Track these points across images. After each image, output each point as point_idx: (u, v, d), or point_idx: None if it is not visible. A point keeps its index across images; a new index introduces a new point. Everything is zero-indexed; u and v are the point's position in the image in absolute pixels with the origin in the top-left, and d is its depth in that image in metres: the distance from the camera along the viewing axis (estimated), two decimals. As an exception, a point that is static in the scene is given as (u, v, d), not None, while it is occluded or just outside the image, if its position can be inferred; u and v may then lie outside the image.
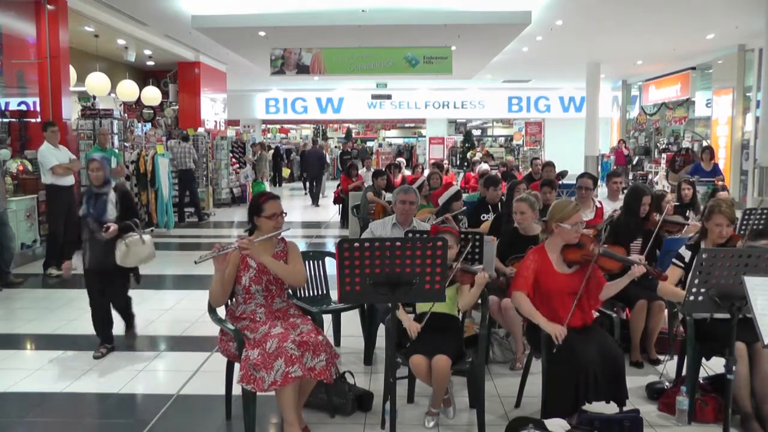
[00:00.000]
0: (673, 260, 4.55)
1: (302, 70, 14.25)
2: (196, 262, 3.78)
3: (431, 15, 12.47)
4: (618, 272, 4.19)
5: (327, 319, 5.22)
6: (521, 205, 5.43)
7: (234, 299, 4.09)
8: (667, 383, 4.74)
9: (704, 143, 18.45)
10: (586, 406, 3.94)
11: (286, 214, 4.13)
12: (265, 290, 4.00)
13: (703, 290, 3.39)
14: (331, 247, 11.76)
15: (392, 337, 3.57)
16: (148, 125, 16.69)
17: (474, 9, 12.43)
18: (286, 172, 28.00)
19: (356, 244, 3.19)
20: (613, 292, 4.26)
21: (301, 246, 11.45)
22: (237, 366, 3.92)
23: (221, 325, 4.02)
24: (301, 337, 3.78)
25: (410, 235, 4.92)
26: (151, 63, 17.19)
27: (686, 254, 4.50)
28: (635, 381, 4.80)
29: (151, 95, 16.41)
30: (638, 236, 5.69)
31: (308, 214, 16.35)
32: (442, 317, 4.16)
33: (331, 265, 5.56)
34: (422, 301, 3.97)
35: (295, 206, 19.55)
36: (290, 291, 4.30)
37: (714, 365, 4.60)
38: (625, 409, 4.02)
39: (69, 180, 8.98)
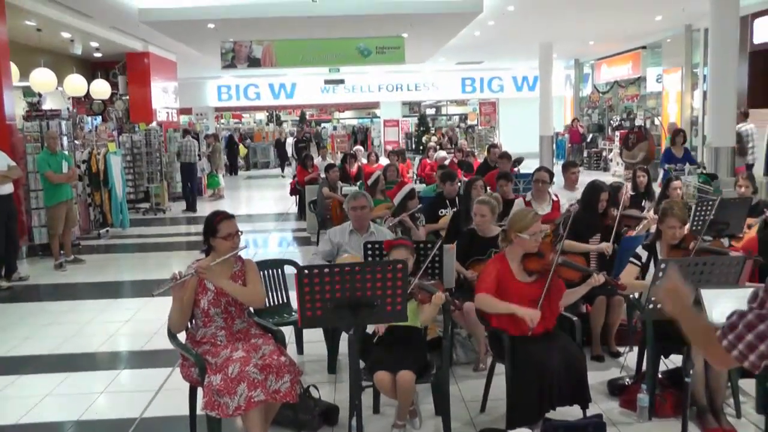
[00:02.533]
0: (631, 259, 4.71)
1: (253, 63, 14.08)
2: (153, 294, 3.70)
3: (383, 5, 12.39)
4: (578, 281, 4.25)
5: (288, 328, 5.16)
6: (482, 207, 5.44)
7: (194, 322, 4.02)
8: (628, 379, 4.83)
9: (656, 120, 18.79)
10: (551, 413, 3.99)
11: (242, 233, 4.06)
12: (224, 312, 3.94)
13: None
14: (290, 240, 11.72)
15: (355, 358, 3.56)
16: (99, 119, 16.34)
17: (426, -2, 12.39)
18: (243, 151, 27.65)
19: (315, 270, 3.17)
20: (572, 300, 4.35)
21: (261, 240, 11.41)
22: (200, 389, 3.86)
23: (183, 350, 3.95)
24: (264, 360, 3.74)
25: (369, 246, 4.87)
26: (98, 55, 16.74)
27: (643, 254, 4.65)
28: (597, 376, 4.89)
29: (100, 89, 15.99)
30: (597, 232, 5.77)
31: (267, 206, 16.21)
32: (405, 330, 4.15)
33: (290, 273, 5.51)
34: (384, 322, 3.96)
35: (254, 197, 19.43)
36: (251, 309, 4.23)
37: (671, 358, 4.70)
38: (588, 412, 4.09)
39: (7, 188, 8.67)
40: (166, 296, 3.81)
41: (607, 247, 5.60)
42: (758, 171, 11.65)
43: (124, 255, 10.80)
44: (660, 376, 4.58)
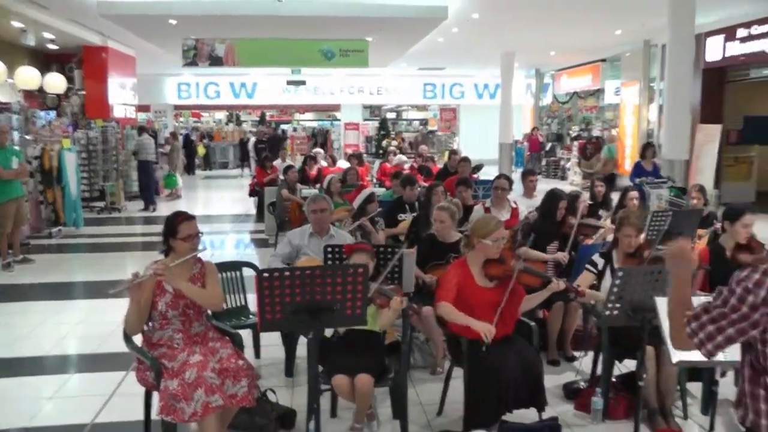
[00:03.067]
0: (587, 266, 4.80)
1: (215, 61, 13.93)
2: (110, 294, 3.63)
3: (348, 7, 12.37)
4: (538, 286, 4.30)
5: (246, 331, 5.10)
6: (442, 214, 5.47)
7: (150, 325, 3.95)
8: (582, 383, 4.94)
9: (613, 132, 19.13)
10: (507, 416, 4.03)
11: (202, 234, 4.02)
12: (182, 315, 3.88)
13: (618, 305, 3.62)
14: (248, 242, 11.62)
15: (314, 361, 3.55)
16: (53, 113, 15.97)
17: (391, 2, 12.40)
18: (201, 150, 27.33)
19: (276, 273, 3.16)
20: (532, 306, 4.41)
21: (218, 241, 11.29)
22: (156, 393, 3.80)
23: (139, 354, 3.88)
24: (221, 363, 3.70)
25: (329, 249, 4.86)
26: (53, 47, 16.25)
27: (599, 261, 4.75)
28: (553, 380, 4.98)
29: (55, 82, 15.46)
30: (554, 239, 5.86)
31: (225, 207, 16.04)
32: (364, 333, 4.15)
33: (249, 273, 5.47)
34: (343, 326, 3.96)
35: (212, 197, 19.22)
36: (209, 312, 4.17)
37: (625, 362, 4.84)
38: (544, 415, 4.15)
39: None
40: (121, 298, 3.75)
41: (563, 256, 5.70)
42: (707, 183, 11.91)
43: (76, 255, 10.55)
44: (613, 380, 4.68)
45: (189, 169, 25.26)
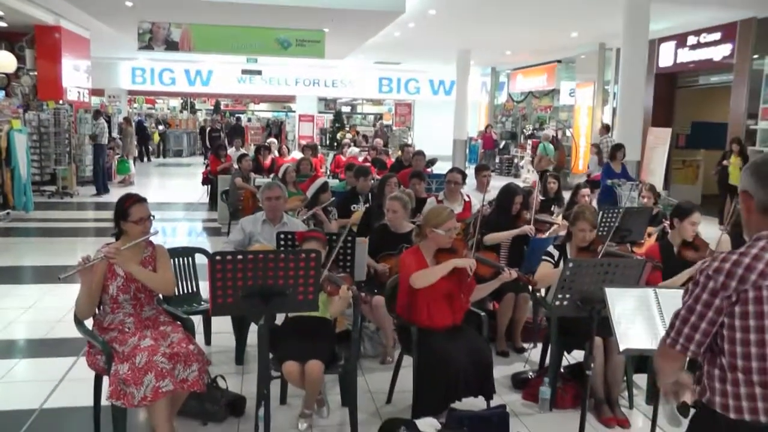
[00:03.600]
0: (543, 257, 4.88)
1: (171, 46, 13.75)
2: (60, 278, 3.56)
3: (306, -3, 12.32)
4: (489, 276, 4.36)
5: (197, 317, 5.08)
6: (394, 203, 5.51)
7: (101, 308, 3.91)
8: (531, 373, 5.04)
9: (567, 132, 19.41)
10: (456, 404, 4.09)
11: (153, 217, 3.98)
12: (133, 299, 3.85)
13: (568, 296, 3.70)
14: (200, 230, 11.51)
15: (265, 347, 3.55)
16: (1, 93, 15.55)
17: (349, -6, 12.40)
18: (156, 137, 26.95)
19: (229, 257, 3.16)
20: (483, 295, 4.50)
21: (169, 229, 11.15)
22: (106, 378, 3.76)
23: (89, 337, 3.83)
24: (172, 348, 3.67)
25: (282, 236, 4.86)
26: (3, 24, 15.83)
27: (555, 252, 4.84)
28: (501, 371, 5.07)
29: (5, 61, 15.12)
30: (508, 233, 5.94)
31: (178, 195, 15.86)
32: (315, 320, 4.17)
33: (201, 260, 5.43)
34: (295, 311, 3.96)
35: (165, 185, 18.98)
36: (160, 296, 4.14)
37: (573, 354, 4.96)
38: (492, 403, 4.23)
39: None
40: (70, 283, 3.70)
41: (530, 228, 5.84)
42: (657, 183, 12.20)
43: (26, 239, 10.34)
44: (561, 370, 4.79)
45: (142, 156, 24.88)
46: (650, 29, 11.58)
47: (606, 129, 16.34)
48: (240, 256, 3.17)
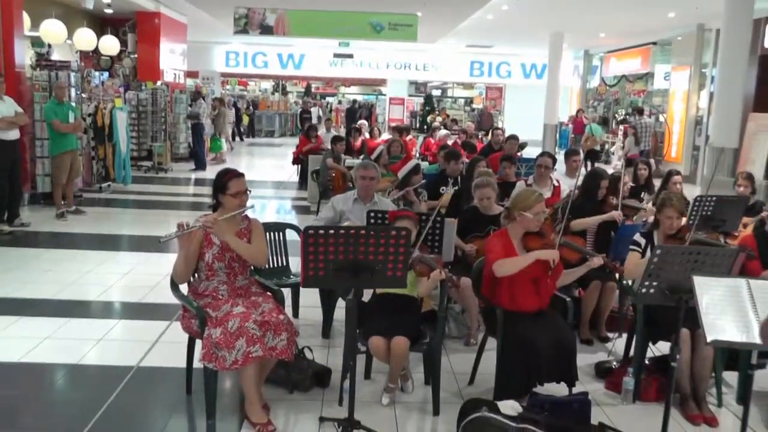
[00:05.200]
0: (631, 246, 4.76)
1: (266, 30, 14.07)
2: (160, 241, 3.78)
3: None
4: (576, 262, 4.32)
5: (287, 290, 5.24)
6: (486, 190, 5.52)
7: (197, 275, 4.10)
8: (615, 363, 4.94)
9: (661, 118, 18.83)
10: (538, 388, 4.10)
11: (250, 191, 4.13)
12: (227, 268, 4.02)
13: (655, 283, 3.58)
14: (289, 208, 11.77)
15: (353, 320, 3.64)
16: (106, 74, 16.30)
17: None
18: (246, 119, 27.60)
19: (321, 231, 3.24)
20: (570, 280, 4.46)
21: (261, 206, 11.46)
22: (198, 341, 3.96)
23: (184, 302, 4.03)
24: (263, 316, 3.82)
25: (372, 215, 4.95)
26: (109, 11, 16.63)
27: (641, 240, 4.72)
28: (584, 359, 4.95)
29: (109, 45, 15.94)
30: (594, 218, 5.85)
31: (269, 173, 16.26)
32: (402, 298, 4.24)
33: (291, 237, 5.60)
34: (384, 287, 4.04)
35: (255, 164, 19.44)
36: (252, 267, 4.31)
37: (659, 346, 4.79)
38: (574, 390, 4.20)
39: (14, 134, 8.75)
40: (166, 252, 3.90)
41: (618, 214, 5.72)
42: (758, 173, 11.69)
43: (124, 210, 10.85)
44: (647, 362, 4.67)
45: (234, 135, 25.54)
46: (755, 7, 11.03)
47: (640, 111, 17.86)
48: (332, 231, 3.25)
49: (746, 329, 2.94)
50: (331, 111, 28.88)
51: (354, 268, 3.29)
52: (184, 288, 4.13)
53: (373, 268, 3.32)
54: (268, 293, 4.22)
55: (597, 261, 4.17)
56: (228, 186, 3.99)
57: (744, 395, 4.08)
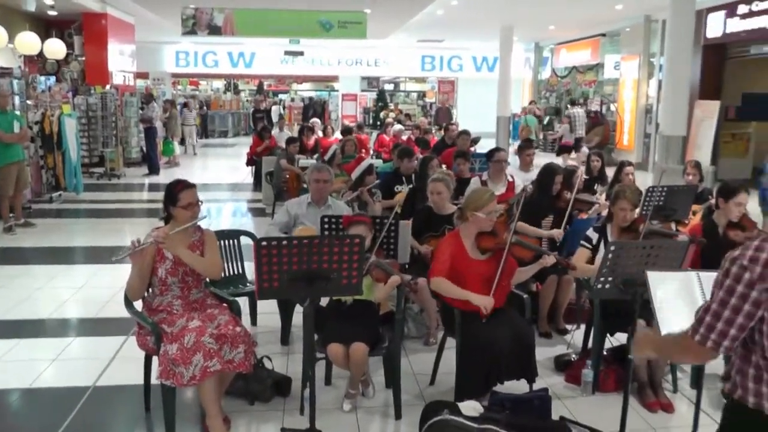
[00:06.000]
0: (582, 242, 4.83)
1: (214, 30, 13.93)
2: (112, 260, 3.70)
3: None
4: (530, 260, 4.35)
5: (243, 299, 5.19)
6: (438, 185, 5.51)
7: (150, 290, 4.03)
8: (573, 355, 5.02)
9: (612, 107, 19.15)
10: (498, 387, 4.12)
11: (202, 202, 4.07)
12: (181, 282, 3.96)
13: (610, 279, 3.65)
14: (245, 211, 11.67)
15: (310, 327, 3.61)
16: (53, 78, 15.92)
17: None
18: (197, 120, 27.23)
19: (274, 243, 3.22)
20: (524, 278, 4.49)
21: (217, 209, 11.33)
22: (155, 358, 3.88)
23: (139, 319, 3.96)
24: (219, 329, 3.77)
25: (326, 220, 4.92)
26: (53, 13, 16.16)
27: (594, 236, 4.78)
28: (543, 352, 5.01)
29: (55, 48, 15.43)
30: (549, 213, 5.90)
31: (223, 175, 16.08)
32: (359, 303, 4.22)
33: (246, 243, 5.54)
34: (340, 295, 4.02)
35: (209, 166, 19.23)
36: (207, 279, 4.25)
37: (616, 336, 4.92)
38: (534, 386, 4.24)
39: None
40: (121, 264, 3.82)
41: (558, 234, 5.73)
42: (704, 158, 11.94)
43: (77, 220, 10.61)
44: (604, 353, 4.75)
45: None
46: (697, -1, 11.25)
47: (573, 103, 20.41)
48: (285, 242, 3.23)
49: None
50: (284, 108, 28.61)
51: (309, 278, 3.27)
52: (138, 305, 4.05)
53: (329, 276, 3.30)
54: (224, 304, 4.17)
55: (549, 260, 4.21)
56: (179, 198, 3.93)
57: (697, 379, 4.20)
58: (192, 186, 4.02)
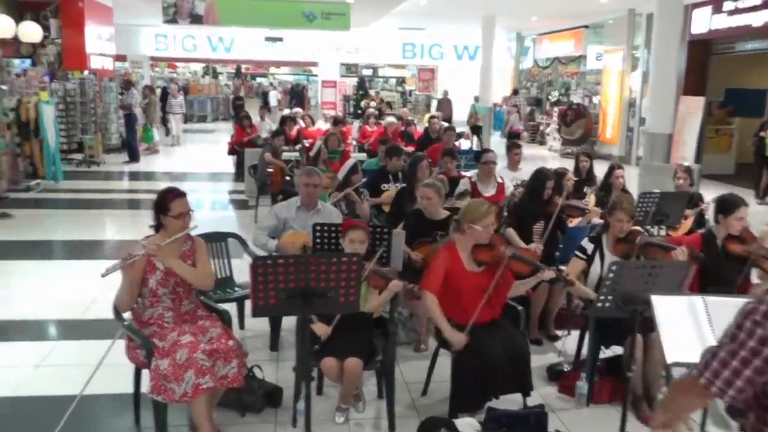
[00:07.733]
0: (576, 253, 4.79)
1: (195, 19, 13.77)
2: (102, 275, 3.59)
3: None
4: (527, 274, 4.29)
5: (232, 304, 5.10)
6: (428, 191, 5.41)
7: (140, 301, 3.91)
8: (566, 365, 4.97)
9: (594, 99, 19.15)
10: (493, 402, 4.08)
11: (193, 211, 3.96)
12: (172, 293, 3.86)
13: (611, 297, 3.64)
14: (227, 203, 11.51)
15: (306, 346, 3.54)
16: (29, 61, 15.56)
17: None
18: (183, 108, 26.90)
19: (269, 261, 3.16)
20: (521, 291, 4.44)
21: (195, 201, 11.14)
22: (145, 370, 3.79)
23: (130, 333, 3.85)
24: (211, 344, 3.69)
25: (318, 228, 4.83)
26: (28, -6, 15.85)
27: (588, 246, 4.74)
28: (534, 360, 4.88)
29: (30, 31, 15.01)
30: (540, 218, 5.84)
31: (204, 164, 15.88)
32: (353, 316, 4.13)
33: (233, 246, 5.44)
34: (337, 312, 3.94)
35: (189, 153, 18.98)
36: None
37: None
38: (529, 401, 4.21)
39: None
40: (104, 259, 3.71)
41: (536, 248, 5.54)
42: (689, 154, 11.95)
43: (56, 211, 10.33)
44: (598, 363, 4.70)
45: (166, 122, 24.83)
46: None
47: (515, 92, 22.81)
48: (281, 260, 3.16)
49: (704, 347, 2.95)
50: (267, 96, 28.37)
51: (306, 295, 3.20)
52: (126, 315, 3.95)
53: (326, 294, 3.24)
54: (214, 314, 4.09)
55: (548, 274, 4.14)
56: (170, 207, 3.82)
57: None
58: (183, 195, 3.92)
